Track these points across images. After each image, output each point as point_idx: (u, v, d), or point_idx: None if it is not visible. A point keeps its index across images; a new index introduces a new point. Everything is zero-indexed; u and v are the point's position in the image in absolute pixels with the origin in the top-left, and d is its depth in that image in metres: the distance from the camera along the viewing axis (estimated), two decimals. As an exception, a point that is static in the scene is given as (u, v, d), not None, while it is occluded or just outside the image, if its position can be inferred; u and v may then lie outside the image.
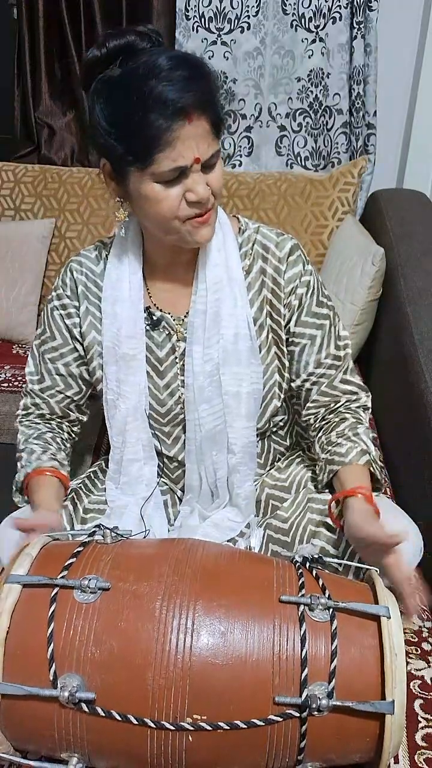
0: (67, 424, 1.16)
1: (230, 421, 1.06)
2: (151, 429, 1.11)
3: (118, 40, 0.90)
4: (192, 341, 1.04)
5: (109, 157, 0.95)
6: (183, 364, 1.07)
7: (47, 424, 1.15)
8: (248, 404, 1.06)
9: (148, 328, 1.07)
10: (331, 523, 1.03)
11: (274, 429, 1.18)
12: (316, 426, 1.11)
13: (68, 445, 1.16)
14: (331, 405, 1.10)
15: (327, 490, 1.08)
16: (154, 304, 1.08)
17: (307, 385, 1.09)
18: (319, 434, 1.10)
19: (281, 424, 1.19)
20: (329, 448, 1.05)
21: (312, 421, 1.11)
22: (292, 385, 1.11)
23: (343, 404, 1.10)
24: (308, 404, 1.10)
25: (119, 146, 0.91)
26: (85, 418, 1.19)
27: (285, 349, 1.09)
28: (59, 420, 1.16)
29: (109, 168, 0.96)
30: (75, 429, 1.18)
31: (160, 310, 1.08)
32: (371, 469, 1.03)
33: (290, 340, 1.08)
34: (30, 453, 1.08)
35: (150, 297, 1.08)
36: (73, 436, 1.18)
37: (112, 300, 1.06)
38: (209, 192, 0.93)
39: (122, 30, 0.92)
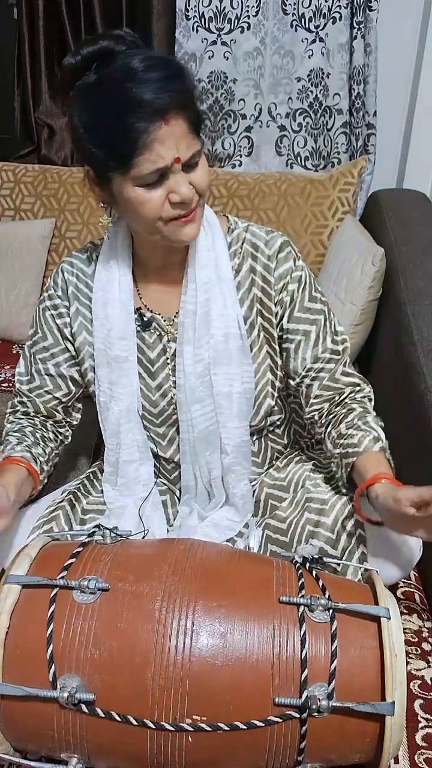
0: (51, 423, 1.15)
1: (223, 422, 1.06)
2: (145, 430, 1.11)
3: (93, 46, 0.90)
4: (182, 342, 1.04)
5: (90, 163, 0.94)
6: (174, 365, 1.07)
7: (30, 420, 1.13)
8: (240, 404, 1.06)
9: (138, 329, 1.07)
10: (328, 522, 1.01)
11: (271, 428, 1.18)
12: (323, 422, 1.09)
13: (50, 445, 1.12)
14: (336, 398, 1.09)
15: (325, 488, 1.07)
16: (145, 305, 1.08)
17: (307, 381, 1.08)
18: (328, 429, 1.08)
19: (278, 422, 1.18)
20: (341, 441, 1.03)
21: (317, 417, 1.10)
22: (292, 383, 1.10)
23: (348, 395, 1.09)
24: (311, 401, 1.09)
25: (99, 152, 0.91)
26: (74, 422, 1.18)
27: (278, 347, 1.08)
28: (44, 418, 1.14)
29: (93, 174, 0.96)
30: (62, 431, 1.16)
31: (151, 311, 1.08)
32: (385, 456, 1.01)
33: (284, 337, 1.07)
34: (6, 444, 1.08)
35: (141, 298, 1.08)
36: (59, 437, 1.16)
37: (103, 302, 1.06)
38: (193, 191, 0.92)
39: (97, 35, 0.92)
